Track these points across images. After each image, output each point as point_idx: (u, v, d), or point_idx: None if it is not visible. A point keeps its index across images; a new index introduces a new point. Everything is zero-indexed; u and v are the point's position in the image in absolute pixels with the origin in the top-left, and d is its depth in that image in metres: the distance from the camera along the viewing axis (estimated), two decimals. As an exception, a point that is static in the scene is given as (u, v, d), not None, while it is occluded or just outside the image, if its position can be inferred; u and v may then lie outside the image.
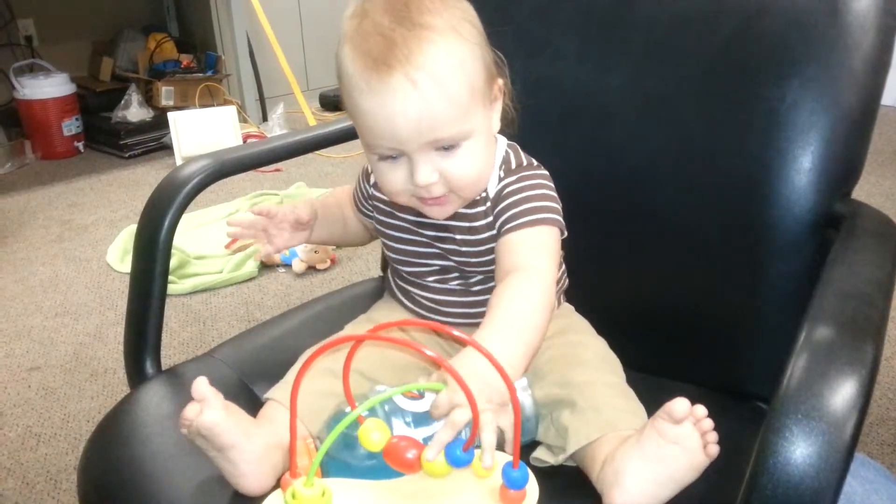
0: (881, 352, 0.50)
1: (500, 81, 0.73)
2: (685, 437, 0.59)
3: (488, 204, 0.75)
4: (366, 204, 0.86)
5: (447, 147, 0.67)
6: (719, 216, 0.80)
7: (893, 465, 1.31)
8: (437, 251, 0.79)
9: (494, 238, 0.75)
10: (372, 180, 0.82)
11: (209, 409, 0.62)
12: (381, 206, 0.82)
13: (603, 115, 0.87)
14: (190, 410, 0.63)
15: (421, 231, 0.78)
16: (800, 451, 0.44)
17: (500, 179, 0.75)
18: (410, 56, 0.63)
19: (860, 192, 0.73)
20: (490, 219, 0.75)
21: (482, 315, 0.70)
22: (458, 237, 0.76)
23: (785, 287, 0.78)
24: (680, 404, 0.59)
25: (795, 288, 0.77)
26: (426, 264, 0.80)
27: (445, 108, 0.65)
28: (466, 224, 0.76)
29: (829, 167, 0.75)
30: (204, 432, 0.62)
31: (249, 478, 0.63)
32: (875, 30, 0.74)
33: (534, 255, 0.71)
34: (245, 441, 0.62)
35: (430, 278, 0.80)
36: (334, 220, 0.89)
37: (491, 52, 0.71)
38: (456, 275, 0.79)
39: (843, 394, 0.46)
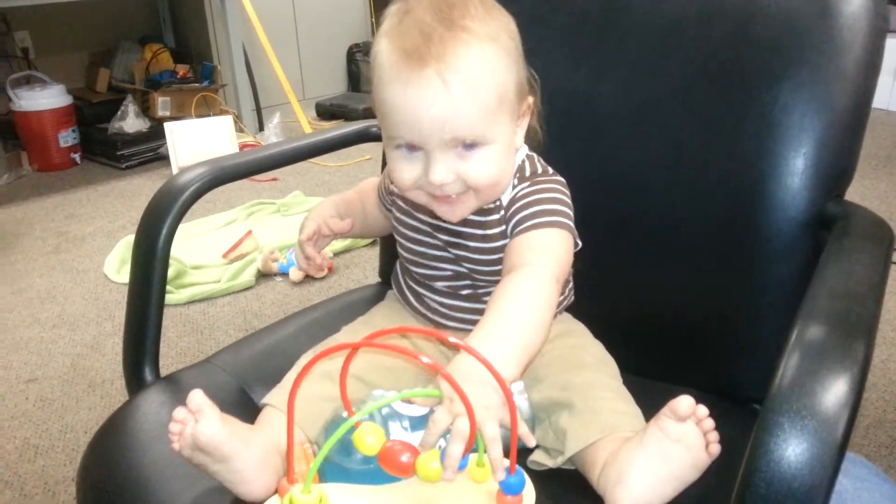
0: (872, 351, 0.50)
1: (531, 99, 0.73)
2: (688, 435, 0.60)
3: (502, 212, 0.75)
4: (387, 198, 0.87)
5: (466, 147, 0.67)
6: (713, 220, 0.81)
7: (891, 466, 1.31)
8: (450, 256, 0.78)
9: (506, 236, 0.75)
10: None
11: (206, 420, 0.61)
12: (400, 204, 0.82)
13: (597, 121, 0.88)
14: (175, 424, 0.63)
15: (436, 235, 0.78)
16: (792, 448, 0.44)
17: (514, 187, 0.75)
18: (445, 54, 0.64)
19: (854, 195, 0.73)
20: (503, 227, 0.75)
21: None
22: (472, 244, 0.76)
23: (780, 289, 0.78)
24: (685, 401, 0.60)
25: (790, 290, 0.77)
26: (439, 268, 0.80)
27: (471, 111, 0.65)
28: (480, 232, 0.75)
29: (822, 169, 0.76)
30: (202, 445, 0.61)
31: (252, 484, 0.63)
32: (866, 32, 0.75)
33: (535, 254, 0.70)
34: (244, 449, 0.62)
35: (441, 283, 0.80)
36: (355, 215, 0.90)
37: (525, 69, 0.71)
38: (467, 282, 0.79)
39: (834, 392, 0.46)
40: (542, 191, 0.74)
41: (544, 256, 0.70)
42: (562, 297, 0.83)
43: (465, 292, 0.80)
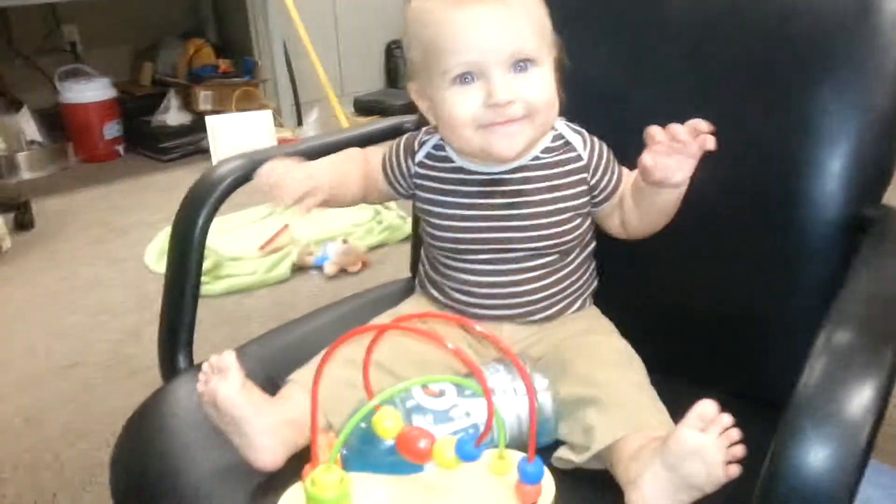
0: (902, 356, 0.49)
1: (557, 52, 0.76)
2: (709, 449, 0.58)
3: (582, 163, 0.78)
4: (404, 182, 0.83)
5: (523, 66, 0.71)
6: (747, 219, 0.80)
7: (929, 477, 1.28)
8: (497, 224, 0.77)
9: (575, 199, 0.78)
10: (418, 158, 0.81)
11: (226, 381, 0.66)
12: (435, 179, 0.80)
13: (632, 121, 0.86)
14: (202, 374, 0.68)
15: (489, 200, 0.77)
16: (814, 454, 0.44)
17: (585, 143, 0.79)
18: None
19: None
20: (585, 176, 0.78)
21: (518, 306, 0.77)
22: (536, 198, 0.77)
23: (814, 291, 0.77)
24: (707, 406, 0.58)
25: (824, 292, 0.75)
26: (480, 240, 0.78)
27: (529, 27, 0.71)
28: (546, 184, 0.77)
29: (860, 171, 0.74)
30: (218, 403, 0.65)
31: (260, 452, 0.65)
32: (907, 31, 0.73)
33: None
34: (255, 415, 0.65)
35: (481, 256, 0.79)
36: (341, 184, 0.82)
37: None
38: (508, 255, 0.78)
39: (859, 398, 0.45)
40: (599, 142, 0.80)
41: None
42: (590, 280, 0.85)
43: (506, 266, 0.78)
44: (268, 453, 0.66)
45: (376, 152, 0.87)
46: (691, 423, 0.59)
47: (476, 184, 0.78)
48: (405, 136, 0.85)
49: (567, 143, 0.79)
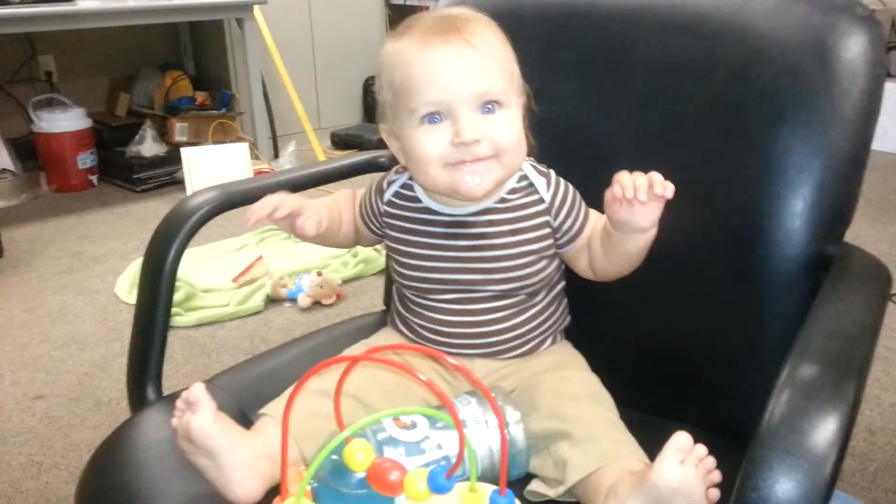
0: (863, 390, 0.50)
1: (526, 97, 0.78)
2: (692, 482, 0.58)
3: (543, 206, 0.79)
4: (375, 221, 0.85)
5: (490, 107, 0.72)
6: (713, 257, 0.82)
7: (897, 512, 1.29)
8: (461, 266, 0.78)
9: (537, 241, 0.78)
10: (386, 197, 0.83)
11: (201, 412, 0.64)
12: (402, 219, 0.82)
13: (601, 156, 0.89)
14: (177, 410, 0.66)
15: (454, 242, 0.78)
16: (780, 486, 0.45)
17: (549, 186, 0.79)
18: (466, 28, 0.72)
19: (866, 238, 0.74)
20: (547, 219, 0.79)
21: (487, 344, 0.77)
22: (499, 241, 0.77)
23: (778, 327, 0.78)
24: (682, 438, 0.59)
25: (788, 328, 0.77)
26: (445, 281, 0.79)
27: (497, 70, 0.73)
28: (509, 228, 0.78)
29: (821, 210, 0.76)
30: (193, 436, 0.64)
31: (237, 485, 0.64)
32: (864, 78, 0.76)
33: None
34: (233, 448, 0.64)
35: (448, 296, 0.80)
36: (332, 223, 0.85)
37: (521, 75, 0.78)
38: (474, 295, 0.79)
39: (823, 430, 0.46)
40: (563, 182, 0.81)
41: None
42: (560, 318, 0.85)
43: (470, 306, 0.79)
44: (246, 487, 0.65)
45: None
46: (671, 457, 0.59)
47: (442, 225, 0.79)
48: (378, 178, 0.86)
49: (531, 185, 0.80)
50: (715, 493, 0.60)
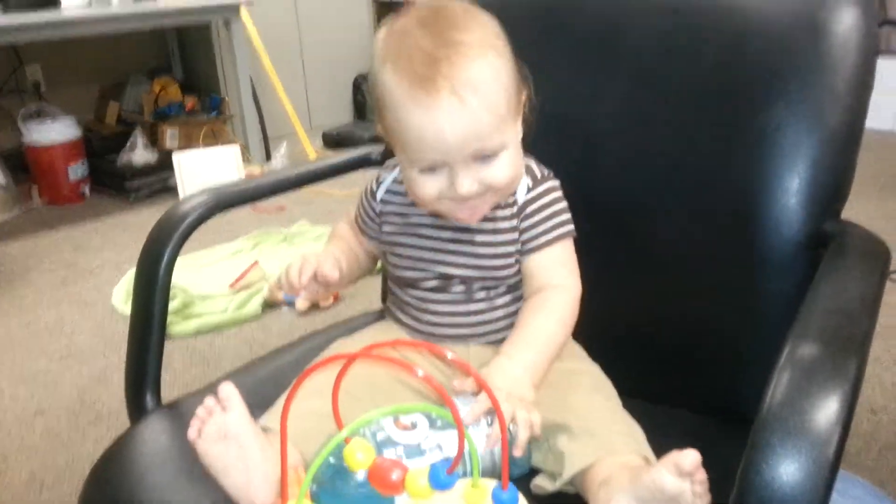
0: (864, 368, 0.50)
1: (524, 94, 0.75)
2: (684, 497, 0.56)
3: (515, 209, 0.77)
4: (372, 224, 0.85)
5: (487, 156, 0.70)
6: (710, 238, 0.81)
7: (904, 489, 1.29)
8: (447, 261, 0.79)
9: (513, 243, 0.77)
10: (379, 196, 0.84)
11: (236, 409, 0.64)
12: (394, 213, 0.82)
13: (594, 141, 0.89)
14: (201, 409, 0.64)
15: (438, 234, 0.79)
16: (784, 467, 0.44)
17: (529, 189, 0.78)
18: (454, 73, 0.67)
19: (861, 215, 0.73)
20: (515, 223, 0.77)
21: (481, 329, 0.77)
22: (479, 238, 0.78)
23: (778, 307, 0.78)
24: (691, 457, 0.55)
25: (788, 307, 0.76)
26: (431, 271, 0.80)
27: (489, 120, 0.69)
28: (490, 226, 0.77)
29: (817, 187, 0.76)
30: (232, 432, 0.63)
31: (259, 490, 0.63)
32: (856, 51, 0.75)
33: (563, 273, 0.78)
34: (269, 446, 0.64)
35: (431, 283, 0.80)
36: (350, 260, 0.87)
37: (517, 63, 0.74)
38: (461, 287, 0.80)
39: (826, 410, 0.46)
40: (554, 201, 0.79)
41: (570, 276, 0.78)
42: None
43: (457, 296, 0.80)
44: (269, 486, 0.63)
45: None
46: (671, 468, 0.56)
47: (428, 215, 0.80)
48: (367, 183, 0.86)
49: None
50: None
